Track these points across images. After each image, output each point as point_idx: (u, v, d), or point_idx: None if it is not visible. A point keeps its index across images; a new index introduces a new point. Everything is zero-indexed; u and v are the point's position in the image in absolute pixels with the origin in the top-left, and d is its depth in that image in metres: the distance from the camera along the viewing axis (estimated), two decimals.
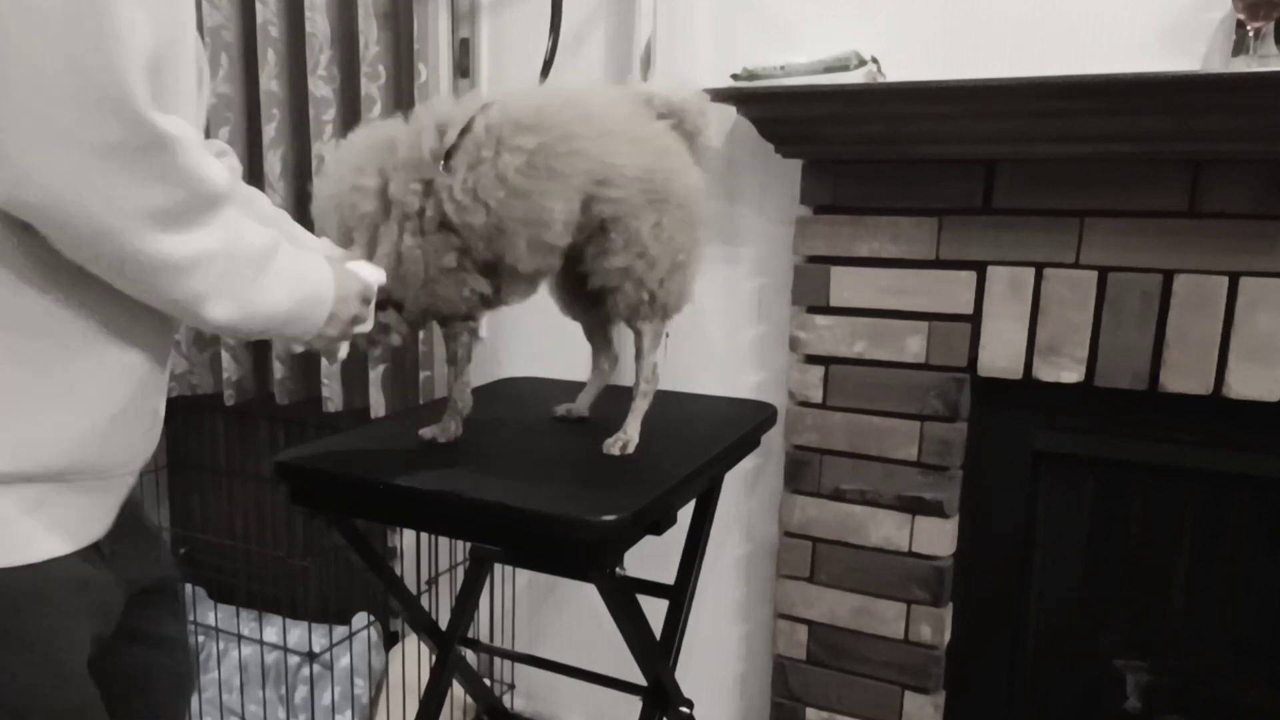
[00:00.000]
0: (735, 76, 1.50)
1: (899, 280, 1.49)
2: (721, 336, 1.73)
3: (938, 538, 1.52)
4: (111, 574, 0.86)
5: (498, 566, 1.99)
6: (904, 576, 1.55)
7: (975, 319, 1.45)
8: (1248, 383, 1.30)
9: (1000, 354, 1.44)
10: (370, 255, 1.07)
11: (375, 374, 1.84)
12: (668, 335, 1.73)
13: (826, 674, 1.63)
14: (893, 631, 1.57)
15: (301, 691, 2.01)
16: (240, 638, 2.07)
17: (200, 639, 2.14)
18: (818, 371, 1.57)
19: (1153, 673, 1.54)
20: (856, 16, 1.53)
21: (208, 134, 1.77)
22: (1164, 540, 1.49)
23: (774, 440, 1.69)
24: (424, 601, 1.79)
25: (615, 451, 1.16)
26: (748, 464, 1.74)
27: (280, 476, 1.14)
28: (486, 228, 1.06)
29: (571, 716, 2.01)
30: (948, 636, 1.58)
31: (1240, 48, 1.25)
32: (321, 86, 1.78)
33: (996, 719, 1.61)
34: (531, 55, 1.77)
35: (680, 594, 1.37)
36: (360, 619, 2.05)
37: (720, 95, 1.44)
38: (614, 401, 1.33)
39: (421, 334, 1.83)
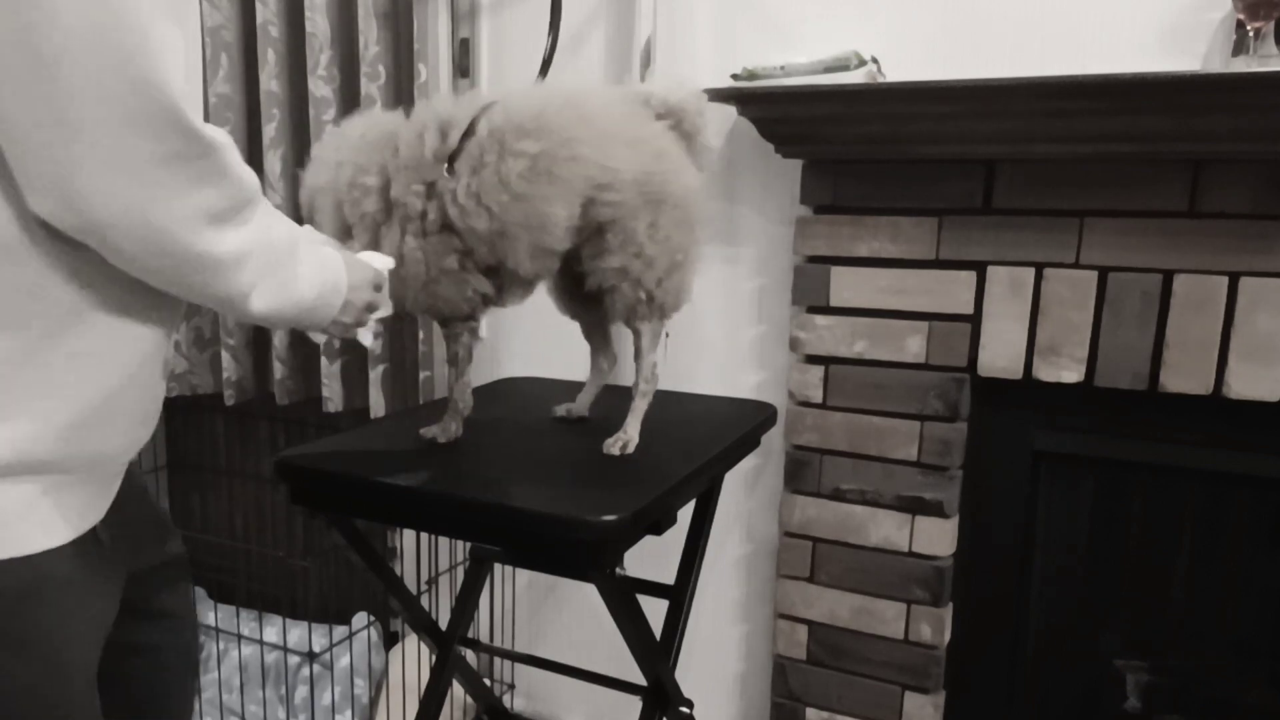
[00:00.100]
0: (735, 76, 1.50)
1: (899, 280, 1.49)
2: (721, 336, 1.73)
3: (938, 538, 1.52)
4: (111, 559, 0.86)
5: (498, 566, 1.99)
6: (904, 576, 1.55)
7: (975, 319, 1.45)
8: (1248, 383, 1.30)
9: (1000, 354, 1.44)
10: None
11: (375, 374, 1.84)
12: (667, 335, 1.73)
13: (826, 674, 1.63)
14: (893, 631, 1.57)
15: (301, 691, 2.01)
16: (240, 638, 2.07)
17: (200, 639, 2.15)
18: (818, 371, 1.57)
19: (1153, 673, 1.54)
20: (856, 16, 1.53)
21: None
22: (1164, 540, 1.49)
23: (774, 440, 1.69)
24: (424, 601, 1.79)
25: (615, 451, 1.16)
26: (748, 464, 1.74)
27: (280, 476, 1.14)
28: (489, 232, 1.06)
29: (571, 716, 2.01)
30: (948, 636, 1.58)
31: (1240, 48, 1.25)
32: (321, 86, 1.78)
33: (996, 719, 1.61)
34: (531, 55, 1.77)
35: (680, 594, 1.37)
36: (360, 619, 2.05)
37: (720, 95, 1.44)
38: (614, 401, 1.34)
39: (421, 334, 1.83)
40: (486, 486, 1.03)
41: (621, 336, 1.32)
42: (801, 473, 1.61)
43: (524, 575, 2.01)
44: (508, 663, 2.04)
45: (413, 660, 1.94)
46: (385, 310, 1.02)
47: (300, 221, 1.14)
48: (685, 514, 1.26)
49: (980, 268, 1.44)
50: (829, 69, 1.42)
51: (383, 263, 1.02)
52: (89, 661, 0.82)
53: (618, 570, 1.59)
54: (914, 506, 1.53)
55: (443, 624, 1.54)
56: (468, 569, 1.56)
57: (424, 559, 1.97)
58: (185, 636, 1.05)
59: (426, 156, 1.06)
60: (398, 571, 1.81)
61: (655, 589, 1.48)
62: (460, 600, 1.55)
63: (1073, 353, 1.40)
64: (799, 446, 1.60)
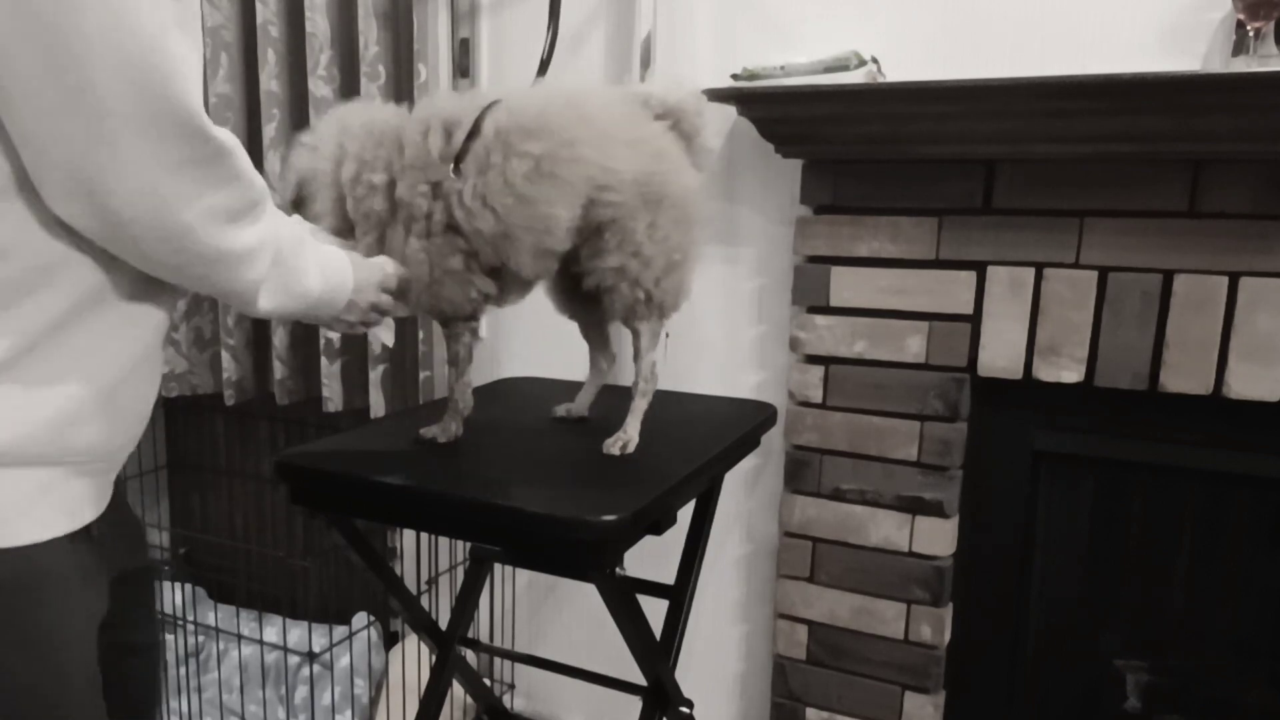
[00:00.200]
0: (735, 76, 1.50)
1: (899, 280, 1.49)
2: (721, 336, 1.73)
3: (938, 538, 1.52)
4: (104, 557, 0.86)
5: (498, 566, 1.99)
6: (904, 576, 1.55)
7: (975, 319, 1.45)
8: (1248, 383, 1.30)
9: (1000, 354, 1.44)
10: (375, 253, 1.07)
11: (375, 374, 1.84)
12: (667, 335, 1.73)
13: (826, 674, 1.63)
14: (893, 631, 1.57)
15: (301, 691, 2.01)
16: (240, 638, 2.07)
17: (200, 639, 2.15)
18: (818, 371, 1.57)
19: (1153, 673, 1.54)
20: (856, 16, 1.53)
21: None
22: (1164, 540, 1.49)
23: (774, 440, 1.69)
24: (424, 601, 1.79)
25: (615, 451, 1.16)
26: (748, 464, 1.74)
27: (280, 476, 1.14)
28: (494, 234, 1.06)
29: (571, 716, 2.01)
30: (948, 636, 1.58)
31: (1240, 48, 1.25)
32: (321, 86, 1.78)
33: (996, 719, 1.61)
34: (531, 55, 1.77)
35: (680, 594, 1.37)
36: (360, 619, 2.05)
37: (720, 95, 1.44)
38: (613, 401, 1.33)
39: (421, 334, 1.83)
40: (486, 486, 1.03)
41: (620, 336, 1.32)
42: (801, 473, 1.61)
43: (524, 575, 2.01)
44: (508, 663, 2.04)
45: (413, 660, 1.94)
46: (398, 311, 1.06)
47: (286, 209, 1.14)
48: (685, 514, 1.26)
49: (980, 268, 1.44)
50: (829, 69, 1.42)
51: (394, 267, 1.05)
52: (88, 659, 0.82)
53: (618, 570, 1.59)
54: (914, 506, 1.53)
55: (443, 624, 1.54)
56: (468, 569, 1.56)
57: (424, 559, 1.97)
58: (153, 656, 1.10)
59: (432, 156, 1.05)
60: (398, 571, 1.81)
61: (655, 589, 1.48)
62: (460, 600, 1.55)
63: (1073, 353, 1.40)
64: (799, 446, 1.60)
